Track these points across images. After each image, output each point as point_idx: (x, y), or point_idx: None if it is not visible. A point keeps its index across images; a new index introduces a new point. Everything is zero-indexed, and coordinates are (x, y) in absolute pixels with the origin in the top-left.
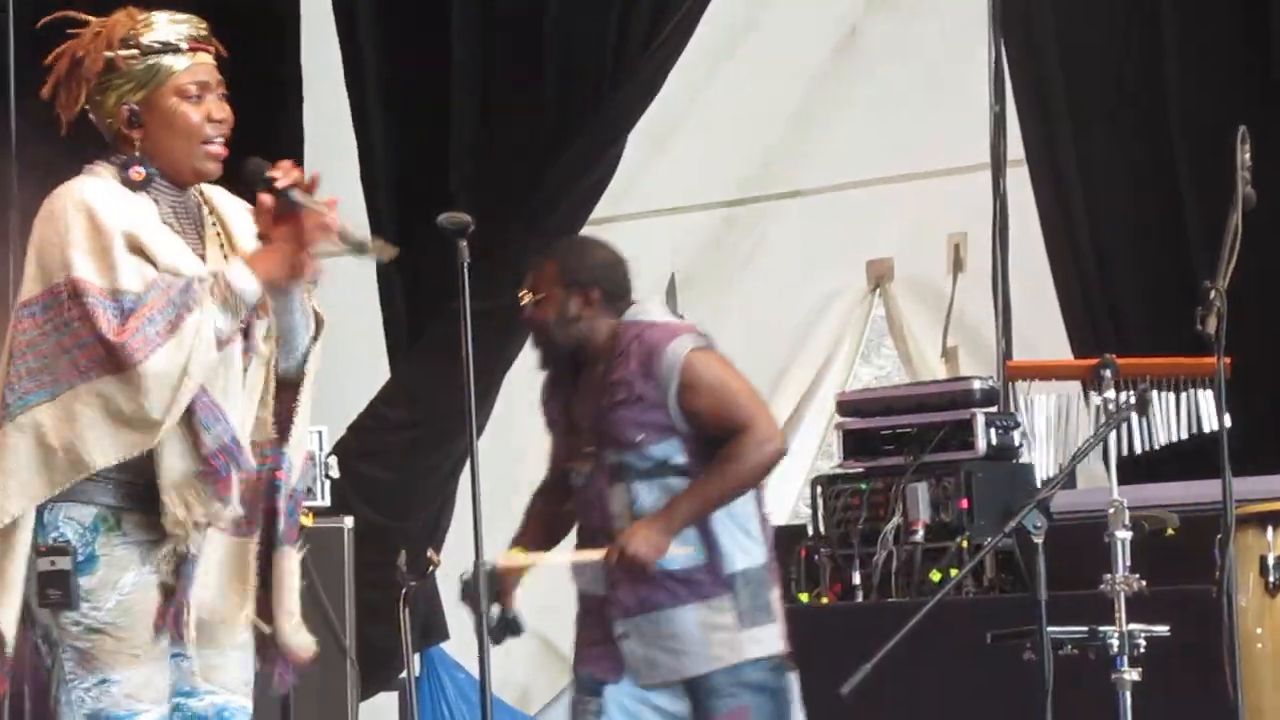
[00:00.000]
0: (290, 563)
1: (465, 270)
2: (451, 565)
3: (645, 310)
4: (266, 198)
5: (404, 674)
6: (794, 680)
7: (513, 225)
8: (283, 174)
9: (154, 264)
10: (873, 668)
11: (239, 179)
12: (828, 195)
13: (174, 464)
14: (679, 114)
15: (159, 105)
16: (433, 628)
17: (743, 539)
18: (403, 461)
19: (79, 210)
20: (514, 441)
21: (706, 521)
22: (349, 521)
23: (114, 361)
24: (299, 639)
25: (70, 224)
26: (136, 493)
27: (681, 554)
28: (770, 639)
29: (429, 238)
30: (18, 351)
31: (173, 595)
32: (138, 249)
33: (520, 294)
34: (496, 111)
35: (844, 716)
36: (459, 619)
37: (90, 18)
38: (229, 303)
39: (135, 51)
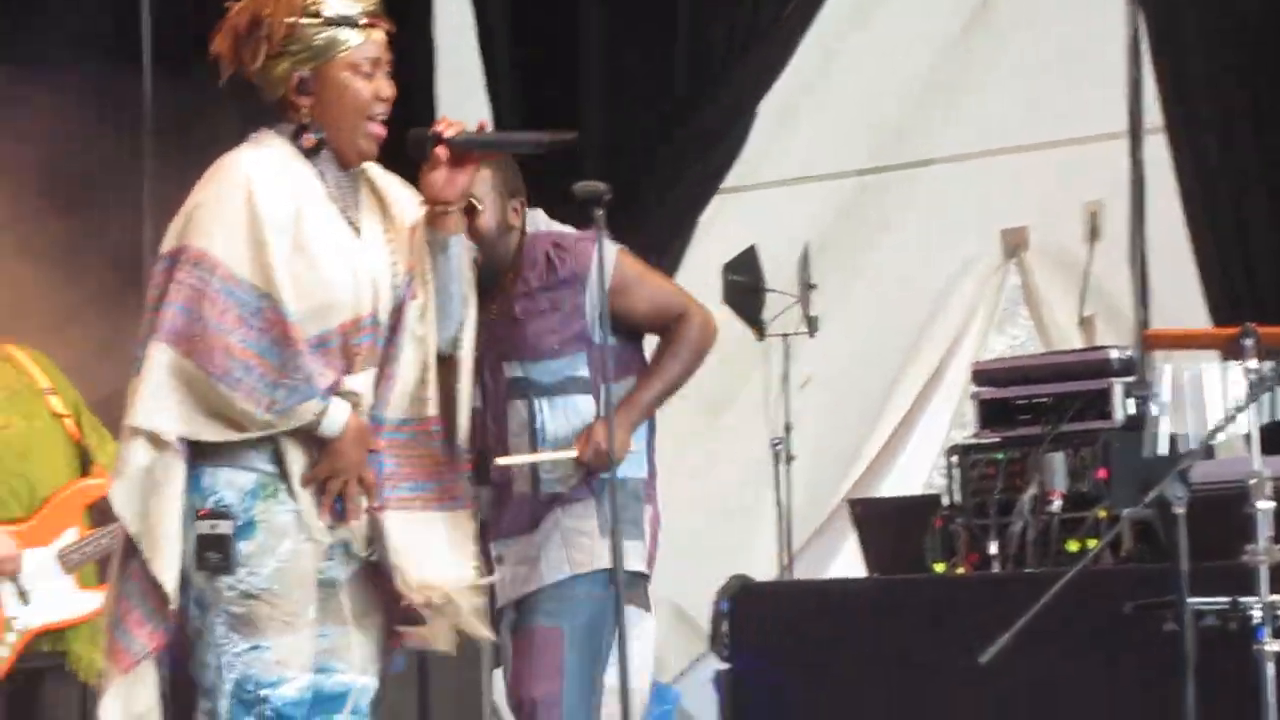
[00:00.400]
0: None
1: (602, 238)
2: None
3: (539, 220)
4: (441, 151)
5: None
6: (640, 611)
7: (643, 194)
8: (446, 126)
9: (305, 249)
10: (1012, 637)
11: (397, 154)
12: (962, 164)
13: (299, 468)
14: (811, 82)
15: (331, 77)
16: None
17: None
18: None
19: (240, 189)
20: None
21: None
22: (485, 493)
23: (198, 351)
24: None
25: (226, 200)
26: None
27: (634, 453)
28: (633, 555)
29: (561, 205)
30: (151, 303)
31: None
32: (285, 234)
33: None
34: (627, 79)
35: (983, 685)
36: None
37: None
38: (306, 422)
39: (315, 21)
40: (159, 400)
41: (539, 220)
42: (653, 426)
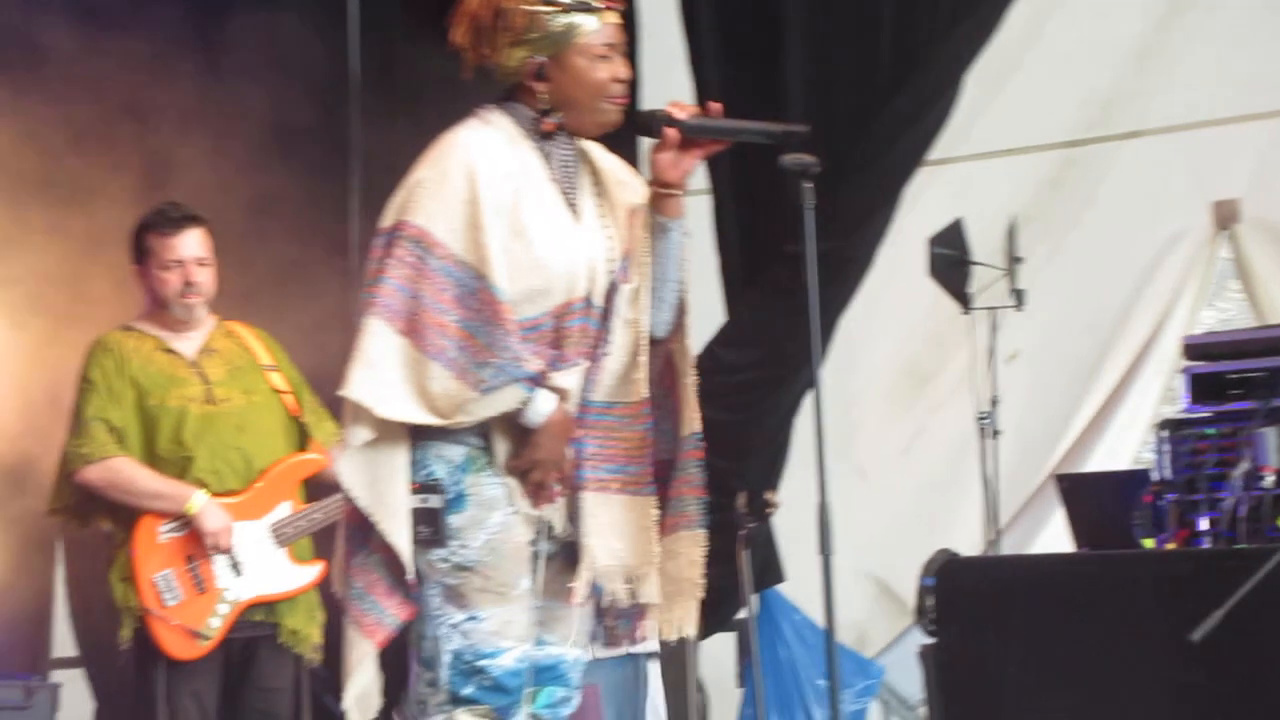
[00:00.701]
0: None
1: (810, 213)
2: (789, 507)
3: None
4: (672, 133)
5: (743, 614)
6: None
7: (848, 168)
8: (678, 108)
9: (523, 234)
10: (1224, 614)
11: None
12: (1171, 135)
13: (503, 451)
14: (1018, 54)
15: (569, 63)
16: (769, 569)
17: None
18: (740, 403)
19: (462, 169)
20: (851, 384)
21: None
22: None
23: (414, 329)
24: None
25: (448, 179)
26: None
27: None
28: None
29: (766, 180)
30: (369, 277)
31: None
32: (504, 217)
33: None
34: (832, 51)
35: (1193, 662)
36: (796, 561)
37: None
38: (510, 409)
39: (553, 8)
40: (375, 377)
41: None
42: None
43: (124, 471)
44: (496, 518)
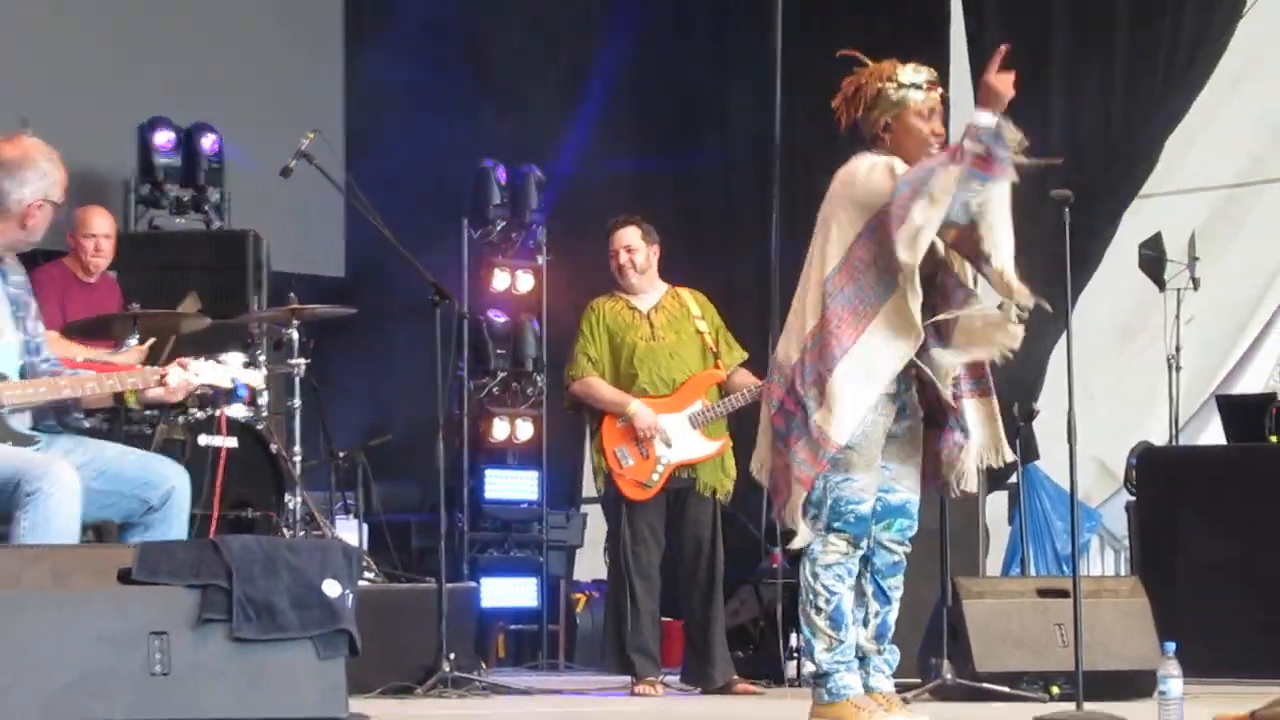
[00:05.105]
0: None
1: (1067, 226)
2: (1043, 414)
3: None
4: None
5: (1013, 479)
6: None
7: (1093, 198)
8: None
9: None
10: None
11: None
12: None
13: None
14: (1199, 124)
15: (904, 121)
16: (1030, 451)
17: None
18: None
19: (872, 167)
20: (1084, 334)
21: None
22: None
23: (885, 229)
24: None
25: (870, 173)
26: None
27: None
28: None
29: (1025, 200)
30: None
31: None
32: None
33: None
34: (1082, 113)
35: None
36: (1046, 447)
37: (867, 59)
38: (977, 137)
39: (894, 85)
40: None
41: None
42: None
43: (591, 386)
44: (869, 418)
